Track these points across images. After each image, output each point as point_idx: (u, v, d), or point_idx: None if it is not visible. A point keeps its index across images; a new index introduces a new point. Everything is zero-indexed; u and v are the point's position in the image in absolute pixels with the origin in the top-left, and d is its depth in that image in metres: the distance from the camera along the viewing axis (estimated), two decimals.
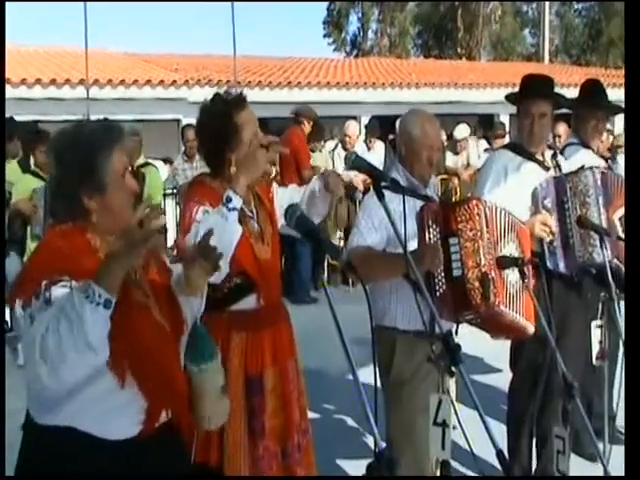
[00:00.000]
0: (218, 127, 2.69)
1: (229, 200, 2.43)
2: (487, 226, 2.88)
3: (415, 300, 2.44)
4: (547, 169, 3.66)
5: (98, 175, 1.96)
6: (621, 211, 3.52)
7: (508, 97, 3.73)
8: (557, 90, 3.71)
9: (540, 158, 3.68)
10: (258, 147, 2.62)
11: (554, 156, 3.74)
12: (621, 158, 7.53)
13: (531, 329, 2.99)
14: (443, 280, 2.87)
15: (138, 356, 1.92)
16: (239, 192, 2.50)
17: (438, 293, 2.84)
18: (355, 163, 2.52)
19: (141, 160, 6.11)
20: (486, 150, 10.97)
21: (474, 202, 2.91)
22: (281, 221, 2.85)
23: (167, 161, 10.86)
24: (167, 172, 10.46)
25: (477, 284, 2.80)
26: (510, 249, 2.96)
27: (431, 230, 2.90)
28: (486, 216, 2.89)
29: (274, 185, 2.97)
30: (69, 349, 1.67)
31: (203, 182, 2.78)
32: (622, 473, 2.25)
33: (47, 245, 1.99)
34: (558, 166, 3.72)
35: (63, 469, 1.92)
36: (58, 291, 1.76)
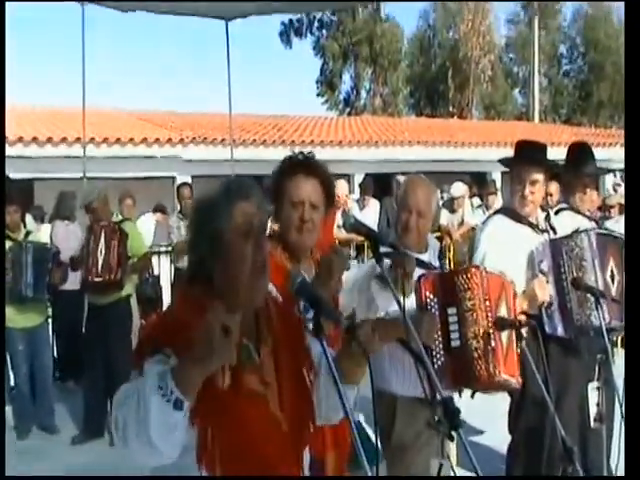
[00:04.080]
0: (269, 192, 2.56)
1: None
2: (485, 294, 2.89)
3: (415, 368, 2.44)
4: (542, 232, 3.71)
5: (218, 236, 1.77)
6: (609, 267, 3.54)
7: (501, 161, 3.80)
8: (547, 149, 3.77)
9: (533, 221, 3.72)
10: (296, 219, 2.50)
11: (547, 218, 3.79)
12: (613, 220, 7.61)
13: (518, 384, 2.98)
14: (441, 351, 2.86)
15: (238, 457, 1.67)
16: (303, 267, 2.47)
17: (436, 365, 2.83)
18: (354, 226, 2.54)
19: (116, 217, 6.18)
20: (479, 207, 11.07)
21: (472, 270, 2.93)
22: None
23: (158, 210, 10.67)
24: (155, 222, 10.33)
25: (476, 355, 2.80)
26: (503, 309, 2.98)
27: (429, 300, 2.90)
28: (483, 284, 2.90)
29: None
30: (131, 437, 1.52)
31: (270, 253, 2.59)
32: None
33: (166, 312, 1.84)
34: (552, 228, 3.76)
35: None
36: (152, 364, 1.58)
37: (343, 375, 1.78)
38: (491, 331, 2.84)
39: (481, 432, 5.55)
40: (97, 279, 5.77)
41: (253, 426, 1.72)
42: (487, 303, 2.88)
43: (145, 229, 9.27)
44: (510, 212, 3.74)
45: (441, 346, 2.85)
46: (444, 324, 2.85)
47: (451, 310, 2.86)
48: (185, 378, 1.51)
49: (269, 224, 2.52)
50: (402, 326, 2.37)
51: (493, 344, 2.82)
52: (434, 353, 2.83)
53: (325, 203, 2.55)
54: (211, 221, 1.80)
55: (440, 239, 10.28)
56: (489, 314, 2.87)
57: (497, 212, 3.93)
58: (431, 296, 2.89)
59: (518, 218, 3.68)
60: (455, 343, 2.83)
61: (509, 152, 3.90)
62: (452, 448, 2.87)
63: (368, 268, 3.04)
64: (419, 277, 2.93)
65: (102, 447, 5.54)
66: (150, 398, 1.50)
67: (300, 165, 2.56)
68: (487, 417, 5.47)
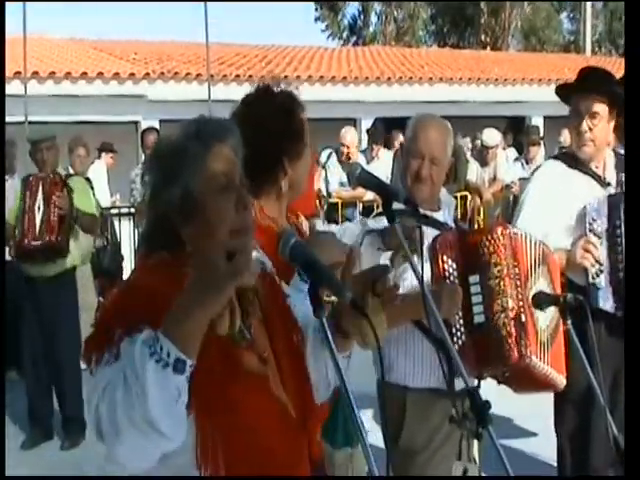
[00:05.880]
0: (279, 124, 2.51)
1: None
2: (515, 259, 2.90)
3: (436, 352, 2.45)
4: (606, 185, 3.68)
5: (188, 187, 1.75)
6: None
7: (558, 90, 3.77)
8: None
9: (598, 171, 3.69)
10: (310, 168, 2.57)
11: (619, 169, 3.72)
12: None
13: (562, 383, 3.03)
14: (462, 328, 2.87)
15: (246, 453, 1.69)
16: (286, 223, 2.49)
17: (457, 345, 2.83)
18: (361, 178, 2.53)
19: (62, 171, 6.16)
20: (516, 160, 11.04)
21: (499, 230, 2.93)
22: None
23: (105, 150, 10.73)
24: (106, 164, 10.58)
25: (505, 332, 2.81)
26: (541, 286, 2.98)
27: (447, 267, 2.91)
28: (514, 247, 2.90)
29: (302, 217, 2.87)
30: (125, 424, 1.48)
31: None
32: None
33: (132, 283, 1.81)
34: (621, 183, 3.70)
35: None
36: (129, 343, 1.55)
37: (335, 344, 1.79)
38: (521, 304, 2.84)
39: (515, 430, 5.61)
40: (35, 242, 5.72)
41: (259, 415, 1.72)
42: (516, 270, 2.88)
43: (100, 182, 9.32)
44: (566, 157, 3.72)
45: (462, 322, 2.85)
46: (465, 296, 2.84)
47: (473, 278, 2.85)
48: (182, 331, 1.48)
49: None
50: (419, 304, 2.37)
51: (524, 319, 2.83)
52: (454, 331, 2.84)
53: None
54: (179, 170, 1.76)
55: (467, 199, 10.30)
56: (518, 283, 2.87)
57: (554, 157, 3.93)
58: (449, 261, 2.89)
59: (575, 164, 3.66)
60: (479, 319, 2.83)
61: (553, 91, 3.87)
62: (476, 450, 2.89)
63: (358, 224, 3.09)
64: (434, 237, 2.93)
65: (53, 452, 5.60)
66: (144, 367, 1.46)
67: (299, 99, 2.60)
68: (524, 413, 5.53)
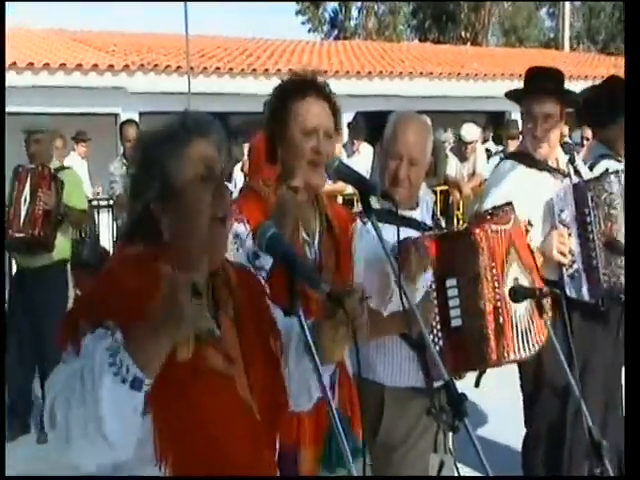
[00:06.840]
0: (268, 115, 2.67)
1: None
2: (493, 260, 2.88)
3: (415, 353, 2.45)
4: (563, 176, 3.71)
5: (168, 177, 1.78)
6: None
7: (509, 94, 3.80)
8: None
9: (552, 164, 3.72)
10: (309, 151, 2.57)
11: (571, 160, 3.78)
12: None
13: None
14: (440, 333, 2.86)
15: (204, 454, 1.67)
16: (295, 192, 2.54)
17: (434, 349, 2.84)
18: (339, 171, 2.51)
19: (54, 164, 6.13)
20: (496, 154, 11.07)
21: (477, 232, 2.90)
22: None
23: (78, 139, 10.80)
24: (80, 154, 10.69)
25: (482, 336, 2.80)
26: (514, 271, 2.96)
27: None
28: (491, 248, 2.88)
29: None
30: (76, 433, 1.49)
31: (253, 189, 2.68)
32: None
33: (104, 275, 1.80)
34: (577, 172, 3.75)
35: None
36: (92, 340, 1.55)
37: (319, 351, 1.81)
38: (499, 304, 2.84)
39: (488, 423, 5.63)
40: (18, 234, 5.72)
41: (220, 414, 1.70)
42: (494, 271, 2.87)
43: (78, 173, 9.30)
44: (523, 157, 3.73)
45: (439, 326, 2.85)
46: (442, 300, 2.84)
47: (450, 282, 2.84)
48: (144, 351, 1.49)
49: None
50: (399, 319, 2.35)
51: (501, 320, 2.83)
52: (432, 336, 2.82)
53: (335, 134, 2.65)
54: (160, 161, 1.80)
55: (447, 194, 10.32)
56: (496, 284, 2.86)
57: (507, 158, 3.93)
58: None
59: (533, 163, 3.68)
60: (456, 322, 2.84)
61: None
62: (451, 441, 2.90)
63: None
64: (412, 241, 2.83)
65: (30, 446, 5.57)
66: (101, 379, 1.46)
67: (311, 85, 2.62)
68: (495, 405, 5.55)
